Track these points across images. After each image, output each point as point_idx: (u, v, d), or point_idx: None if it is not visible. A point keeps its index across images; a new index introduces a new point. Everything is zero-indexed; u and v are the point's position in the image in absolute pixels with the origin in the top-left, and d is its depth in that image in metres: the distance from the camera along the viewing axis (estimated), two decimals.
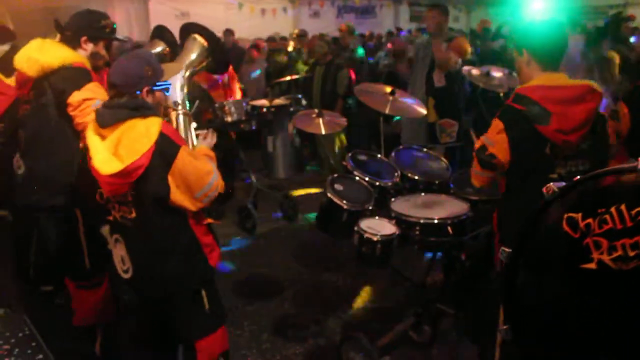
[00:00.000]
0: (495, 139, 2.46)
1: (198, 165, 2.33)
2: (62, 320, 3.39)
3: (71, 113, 2.85)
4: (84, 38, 3.00)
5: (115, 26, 3.12)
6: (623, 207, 1.69)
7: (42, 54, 2.88)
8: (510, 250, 1.97)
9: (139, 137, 2.21)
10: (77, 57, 2.95)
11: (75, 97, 2.82)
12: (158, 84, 2.45)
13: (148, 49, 3.53)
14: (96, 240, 3.06)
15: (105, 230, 2.47)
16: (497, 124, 2.48)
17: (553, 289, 1.93)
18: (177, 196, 2.28)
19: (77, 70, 2.90)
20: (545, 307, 1.95)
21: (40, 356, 3.40)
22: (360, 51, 8.70)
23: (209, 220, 2.55)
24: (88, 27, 3.01)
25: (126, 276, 2.47)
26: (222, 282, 4.37)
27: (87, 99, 2.82)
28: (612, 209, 1.71)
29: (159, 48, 3.52)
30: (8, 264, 4.19)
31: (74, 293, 3.22)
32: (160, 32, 3.61)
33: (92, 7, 3.18)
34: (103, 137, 2.27)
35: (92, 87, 2.87)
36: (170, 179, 2.26)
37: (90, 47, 3.03)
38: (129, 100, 2.31)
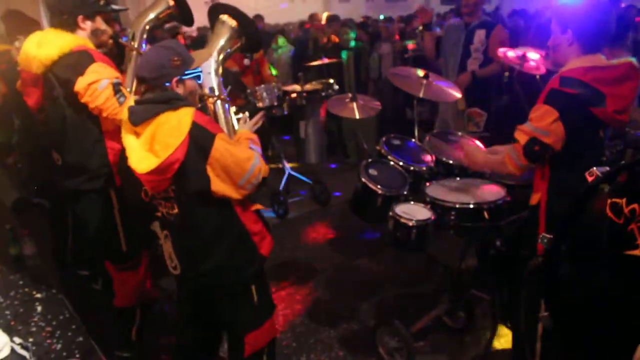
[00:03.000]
0: (550, 128, 2.34)
1: (236, 153, 2.24)
2: (101, 304, 3.46)
3: (82, 100, 2.79)
4: (80, 17, 2.91)
5: None
6: None
7: (39, 49, 2.82)
8: (552, 236, 1.93)
9: (171, 130, 2.14)
10: (76, 40, 2.87)
11: (80, 84, 2.76)
12: (188, 72, 2.36)
13: (153, 9, 3.33)
14: (131, 222, 3.10)
15: (155, 226, 2.42)
16: (548, 111, 2.34)
17: (596, 277, 1.88)
18: (219, 186, 2.21)
19: (77, 55, 2.83)
20: (588, 295, 1.91)
21: (81, 338, 3.49)
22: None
23: (257, 206, 2.47)
24: (81, 5, 2.92)
25: (175, 273, 2.43)
26: None
27: (92, 83, 2.75)
28: None
29: (163, 4, 3.36)
30: (49, 248, 4.29)
31: (114, 275, 3.27)
32: None
33: None
34: (138, 135, 2.22)
35: (95, 69, 2.79)
36: (209, 169, 2.19)
37: (88, 24, 2.94)
38: (159, 94, 2.25)
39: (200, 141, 2.18)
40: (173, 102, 2.21)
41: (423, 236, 2.95)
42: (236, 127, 2.71)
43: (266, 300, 2.56)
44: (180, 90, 2.32)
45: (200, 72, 2.53)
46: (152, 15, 3.30)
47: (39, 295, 4.05)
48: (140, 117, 2.20)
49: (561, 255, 1.93)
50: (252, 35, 3.27)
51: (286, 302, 4.00)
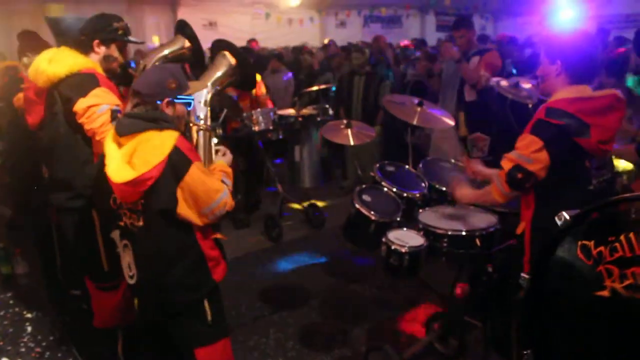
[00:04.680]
0: (534, 157, 2.38)
1: (207, 182, 2.35)
2: (91, 324, 3.45)
3: (79, 121, 2.86)
4: (96, 41, 3.01)
5: (128, 27, 3.12)
6: (632, 235, 1.73)
7: (49, 65, 2.90)
8: (529, 276, 1.98)
9: (153, 149, 2.25)
10: (86, 62, 2.96)
11: (80, 105, 2.83)
12: (180, 97, 2.46)
13: (171, 45, 3.46)
14: (113, 243, 3.13)
15: (115, 234, 2.51)
16: (533, 141, 2.39)
17: (570, 315, 1.95)
18: (184, 210, 2.30)
19: (84, 76, 2.91)
20: (563, 333, 1.98)
21: (70, 359, 3.47)
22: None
23: (217, 235, 2.55)
24: (100, 31, 3.02)
25: (131, 282, 2.51)
26: (248, 290, 4.43)
27: (92, 106, 2.82)
28: (622, 237, 1.75)
29: (179, 44, 3.47)
30: (39, 268, 4.28)
31: (93, 294, 3.25)
32: (182, 27, 3.59)
33: (123, 17, 3.18)
34: (120, 145, 2.32)
35: (98, 93, 2.86)
36: (178, 192, 2.28)
37: (102, 50, 3.04)
38: (148, 111, 2.36)
39: (177, 165, 2.28)
40: (160, 123, 2.33)
41: (416, 262, 2.97)
42: (213, 157, 2.77)
43: (220, 320, 2.60)
44: (169, 111, 2.42)
45: (192, 99, 2.61)
46: (166, 52, 3.38)
47: (29, 315, 4.04)
48: (126, 129, 2.31)
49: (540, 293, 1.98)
50: (247, 75, 3.39)
51: (278, 326, 3.98)
